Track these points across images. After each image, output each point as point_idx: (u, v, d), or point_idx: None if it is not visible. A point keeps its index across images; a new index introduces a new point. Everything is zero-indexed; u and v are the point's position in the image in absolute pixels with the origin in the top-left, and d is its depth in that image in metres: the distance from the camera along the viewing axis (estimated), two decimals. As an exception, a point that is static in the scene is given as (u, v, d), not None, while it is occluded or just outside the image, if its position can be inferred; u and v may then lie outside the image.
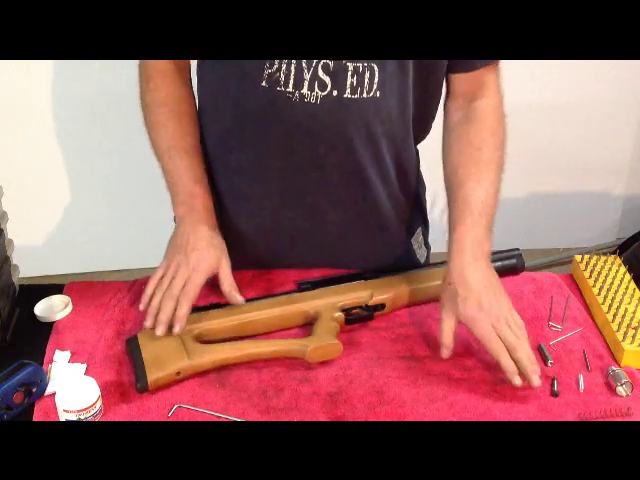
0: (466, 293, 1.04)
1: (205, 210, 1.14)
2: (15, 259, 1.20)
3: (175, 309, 1.04)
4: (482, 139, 1.15)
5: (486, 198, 1.11)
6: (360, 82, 1.06)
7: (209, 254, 1.10)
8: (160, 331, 1.03)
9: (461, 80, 1.15)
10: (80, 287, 1.20)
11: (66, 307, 1.14)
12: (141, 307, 1.07)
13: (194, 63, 1.19)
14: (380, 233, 1.24)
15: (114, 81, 2.01)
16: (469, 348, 1.08)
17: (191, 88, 1.20)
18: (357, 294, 1.14)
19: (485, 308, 1.03)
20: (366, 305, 1.13)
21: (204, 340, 1.06)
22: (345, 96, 1.06)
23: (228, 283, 1.10)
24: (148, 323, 1.05)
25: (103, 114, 2.29)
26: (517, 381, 0.99)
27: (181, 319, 1.04)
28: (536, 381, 0.99)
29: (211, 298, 1.15)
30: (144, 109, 1.18)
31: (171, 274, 1.08)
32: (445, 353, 1.05)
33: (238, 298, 1.10)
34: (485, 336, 1.02)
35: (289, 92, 1.05)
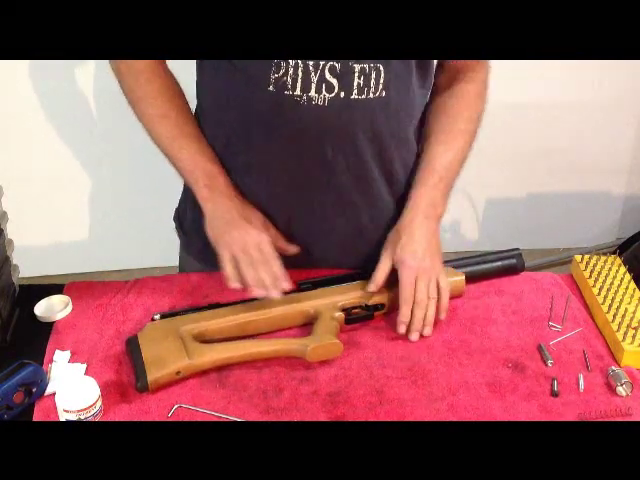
0: (407, 240, 1.13)
1: (230, 186, 1.16)
2: (15, 259, 1.20)
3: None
4: (457, 111, 1.20)
5: (450, 164, 1.18)
6: (366, 82, 1.06)
7: (259, 219, 1.14)
8: (275, 293, 1.06)
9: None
10: (80, 287, 1.20)
11: (66, 307, 1.14)
12: (235, 285, 1.08)
13: (192, 67, 1.19)
14: (386, 233, 1.24)
15: (114, 81, 2.01)
16: (469, 349, 1.09)
17: (174, 79, 1.19)
18: (357, 294, 1.14)
19: (418, 258, 1.11)
20: (366, 305, 1.13)
21: (204, 339, 1.06)
22: (352, 97, 1.07)
23: (281, 240, 1.16)
24: (262, 292, 1.07)
25: (103, 115, 2.29)
26: (399, 330, 1.10)
27: (282, 277, 1.08)
28: (414, 337, 1.10)
29: (211, 298, 1.15)
30: (138, 103, 1.16)
31: (241, 249, 1.09)
32: (372, 287, 1.13)
33: (294, 248, 1.17)
34: (403, 282, 1.11)
35: (297, 95, 1.06)
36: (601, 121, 2.54)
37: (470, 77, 1.20)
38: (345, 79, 1.05)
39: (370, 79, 1.06)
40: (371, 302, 1.13)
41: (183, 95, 1.19)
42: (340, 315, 1.11)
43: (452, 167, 1.18)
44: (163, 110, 1.15)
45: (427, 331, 1.10)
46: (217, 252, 1.11)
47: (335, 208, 1.18)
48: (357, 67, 1.05)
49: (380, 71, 1.06)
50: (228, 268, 1.09)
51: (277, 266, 1.09)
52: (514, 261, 1.25)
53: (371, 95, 1.07)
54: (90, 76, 2.21)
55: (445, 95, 1.21)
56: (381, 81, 1.07)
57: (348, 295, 1.13)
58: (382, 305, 1.14)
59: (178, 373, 1.00)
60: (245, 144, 1.14)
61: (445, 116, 1.20)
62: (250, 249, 1.09)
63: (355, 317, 1.12)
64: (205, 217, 1.15)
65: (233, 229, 1.11)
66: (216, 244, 1.12)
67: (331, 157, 1.11)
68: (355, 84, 1.06)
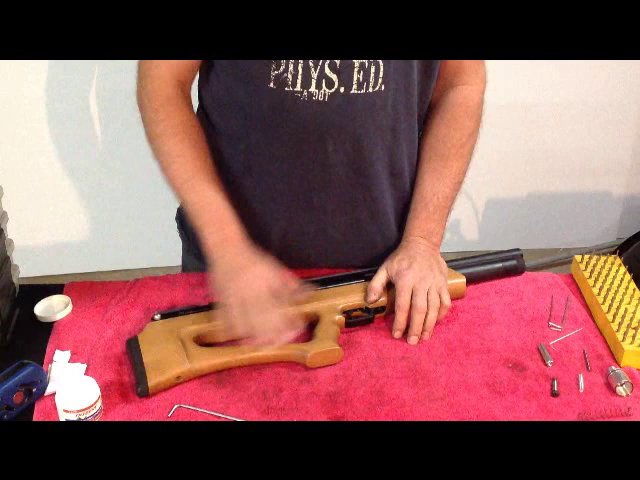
0: (403, 256, 1.15)
1: (238, 234, 1.09)
2: (15, 259, 1.20)
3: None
4: (448, 135, 1.20)
5: (444, 192, 1.19)
6: (366, 77, 1.07)
7: (266, 263, 1.06)
8: (280, 341, 1.00)
9: (442, 63, 1.17)
10: (80, 287, 1.20)
11: (66, 307, 1.14)
12: (244, 333, 1.01)
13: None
14: (385, 230, 1.25)
15: (114, 82, 2.01)
16: (469, 349, 1.09)
17: (195, 114, 1.17)
18: (358, 296, 1.14)
19: (414, 269, 1.12)
20: (366, 307, 1.13)
21: (205, 342, 1.06)
22: (352, 92, 1.07)
23: (291, 279, 1.08)
24: (265, 340, 1.00)
25: (103, 115, 2.29)
26: (395, 335, 1.10)
27: (285, 326, 1.01)
28: (412, 341, 1.09)
29: (211, 298, 1.15)
30: (155, 139, 1.12)
31: (247, 292, 1.02)
32: (372, 297, 1.13)
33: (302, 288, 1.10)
34: (399, 289, 1.11)
35: (297, 91, 1.06)
36: (601, 121, 2.54)
37: (463, 91, 1.20)
38: (345, 74, 1.06)
39: (369, 74, 1.06)
40: (372, 305, 1.13)
41: (201, 131, 1.15)
42: (340, 318, 1.11)
43: (446, 194, 1.19)
44: (179, 149, 1.11)
45: (426, 336, 1.10)
46: (223, 301, 1.04)
47: (334, 204, 1.18)
48: (357, 62, 1.05)
49: (379, 66, 1.06)
50: (236, 315, 1.02)
51: (277, 316, 1.01)
52: (515, 262, 1.24)
53: (370, 89, 1.08)
54: (91, 77, 2.21)
55: (437, 115, 1.21)
56: (380, 75, 1.07)
57: (349, 297, 1.13)
58: (383, 308, 1.14)
59: (178, 378, 1.00)
60: (245, 144, 1.14)
61: (435, 140, 1.20)
62: (252, 299, 1.01)
63: (355, 320, 1.12)
64: (212, 265, 1.08)
65: (241, 273, 1.04)
66: (221, 294, 1.05)
67: (331, 153, 1.11)
68: (355, 79, 1.06)
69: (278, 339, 1.00)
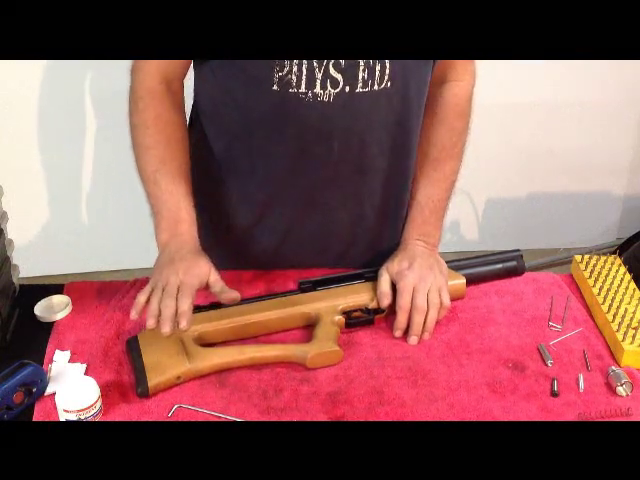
0: (403, 257, 1.16)
1: (189, 235, 1.09)
2: (15, 259, 1.20)
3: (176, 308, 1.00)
4: (438, 137, 1.20)
5: (439, 195, 1.21)
6: (371, 75, 1.06)
7: (197, 262, 1.05)
8: (166, 329, 0.97)
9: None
10: (80, 287, 1.20)
11: (66, 307, 1.14)
12: (133, 314, 1.00)
13: (189, 75, 1.18)
14: (387, 228, 1.25)
15: (113, 81, 2.00)
16: (469, 349, 1.09)
17: (183, 112, 1.16)
18: (358, 296, 1.14)
19: (414, 269, 1.13)
20: (366, 308, 1.13)
21: (205, 342, 1.06)
22: (357, 91, 1.07)
23: (219, 285, 1.06)
24: (150, 322, 0.98)
25: (103, 114, 2.29)
26: (396, 334, 1.10)
27: (185, 314, 0.98)
28: (412, 341, 1.09)
29: (211, 298, 1.15)
30: (132, 130, 1.14)
31: (162, 285, 1.02)
32: (384, 302, 1.12)
33: (234, 294, 1.06)
34: (401, 289, 1.11)
35: (302, 93, 1.05)
36: (601, 121, 2.54)
37: (453, 87, 1.19)
38: (349, 73, 1.05)
39: (375, 72, 1.06)
40: (372, 305, 1.13)
41: (181, 130, 1.14)
42: (340, 319, 1.11)
43: (441, 196, 1.20)
44: (149, 142, 1.12)
45: (426, 336, 1.10)
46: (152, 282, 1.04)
47: (337, 201, 1.18)
48: (362, 61, 1.05)
49: (385, 63, 1.06)
50: (139, 297, 1.02)
51: (186, 304, 0.99)
52: (515, 263, 1.24)
53: (376, 87, 1.07)
54: (92, 76, 2.21)
55: (427, 115, 1.20)
56: (386, 72, 1.06)
57: (349, 298, 1.13)
58: (383, 309, 1.14)
59: (178, 378, 1.00)
60: (247, 146, 1.14)
61: (427, 144, 1.21)
62: (170, 284, 1.01)
63: (356, 321, 1.12)
64: (159, 254, 1.09)
65: (165, 268, 1.04)
66: (153, 277, 1.06)
67: (336, 151, 1.11)
68: (360, 77, 1.06)
69: (162, 326, 0.98)
